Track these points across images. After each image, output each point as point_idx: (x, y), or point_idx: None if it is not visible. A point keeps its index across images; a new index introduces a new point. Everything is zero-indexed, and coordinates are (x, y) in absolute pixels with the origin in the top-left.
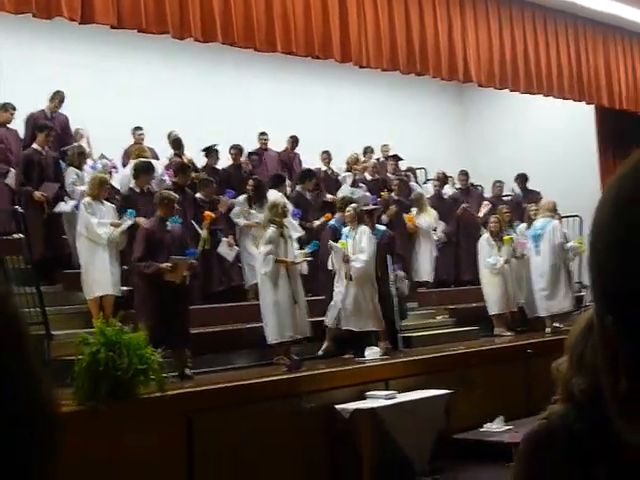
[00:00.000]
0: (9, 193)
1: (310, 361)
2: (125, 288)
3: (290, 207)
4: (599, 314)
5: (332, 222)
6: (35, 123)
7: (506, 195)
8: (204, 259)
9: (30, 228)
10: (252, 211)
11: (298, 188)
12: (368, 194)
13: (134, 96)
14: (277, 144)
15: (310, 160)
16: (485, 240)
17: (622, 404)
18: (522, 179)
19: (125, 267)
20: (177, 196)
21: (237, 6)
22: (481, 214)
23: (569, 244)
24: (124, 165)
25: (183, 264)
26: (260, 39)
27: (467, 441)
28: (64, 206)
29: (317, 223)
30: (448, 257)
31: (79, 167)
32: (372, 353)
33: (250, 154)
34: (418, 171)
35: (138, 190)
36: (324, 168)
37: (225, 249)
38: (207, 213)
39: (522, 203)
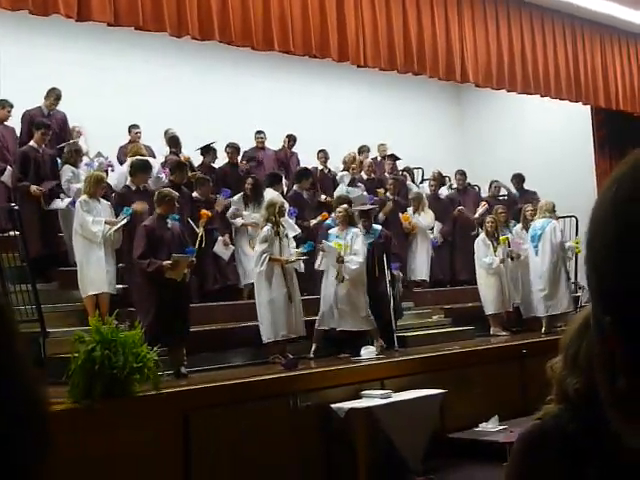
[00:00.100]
0: (5, 191)
1: (306, 360)
2: (121, 286)
3: (287, 206)
4: (596, 314)
5: (328, 221)
6: (32, 120)
7: (502, 195)
8: (200, 258)
9: (26, 226)
10: (244, 212)
11: (295, 187)
12: (365, 193)
13: (131, 94)
14: (275, 143)
15: (307, 159)
16: (481, 240)
17: (620, 404)
18: (518, 179)
19: (121, 265)
20: (177, 194)
21: (235, 5)
22: (477, 214)
23: (568, 243)
24: (121, 163)
25: (184, 261)
26: (257, 38)
27: (462, 440)
28: (60, 203)
29: (314, 222)
30: (444, 257)
31: (75, 165)
32: (368, 352)
33: (249, 159)
34: (415, 171)
35: (134, 188)
36: (321, 167)
37: (221, 248)
38: (203, 211)
39: (518, 203)
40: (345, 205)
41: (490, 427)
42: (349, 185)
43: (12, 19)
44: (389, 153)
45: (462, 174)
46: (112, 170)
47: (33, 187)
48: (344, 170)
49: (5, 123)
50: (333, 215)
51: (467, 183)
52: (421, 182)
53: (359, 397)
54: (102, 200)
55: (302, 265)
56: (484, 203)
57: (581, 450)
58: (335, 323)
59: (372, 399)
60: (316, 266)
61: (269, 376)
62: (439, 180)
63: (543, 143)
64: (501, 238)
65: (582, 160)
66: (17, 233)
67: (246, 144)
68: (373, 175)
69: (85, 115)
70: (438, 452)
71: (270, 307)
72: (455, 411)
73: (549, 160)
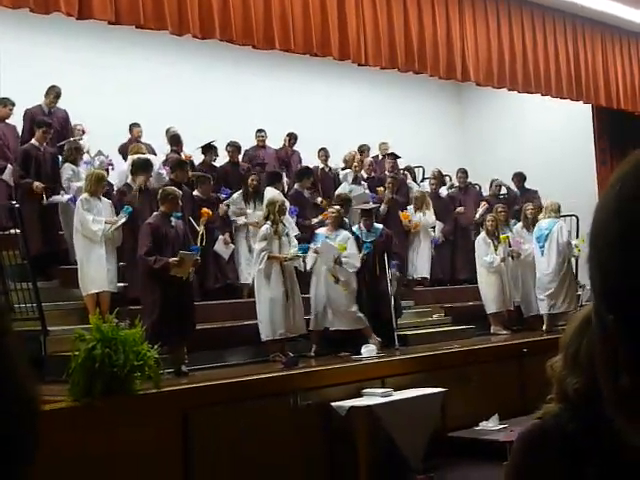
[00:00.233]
0: (6, 189)
1: (306, 358)
2: (121, 284)
3: (287, 205)
4: (598, 312)
5: (328, 220)
6: (33, 118)
7: (503, 194)
8: (200, 256)
9: (27, 223)
10: (248, 211)
11: (296, 186)
12: (367, 191)
13: (132, 92)
14: (275, 141)
15: (308, 158)
16: (482, 239)
17: (623, 402)
18: (519, 178)
19: (122, 263)
20: (181, 192)
21: (235, 3)
22: (478, 215)
23: (574, 241)
24: (124, 158)
25: (190, 259)
26: (258, 36)
27: (462, 439)
28: (60, 197)
29: (315, 221)
30: (444, 256)
31: (75, 163)
32: (368, 351)
33: (251, 159)
34: (416, 170)
35: (135, 186)
36: (321, 166)
37: (221, 247)
38: (204, 210)
39: (519, 201)
40: (337, 207)
41: (490, 426)
42: (352, 184)
43: (13, 17)
44: (389, 152)
45: (464, 172)
46: (112, 169)
47: (36, 183)
48: (344, 169)
49: (7, 121)
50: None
51: (468, 182)
52: (422, 181)
53: (360, 396)
54: (103, 198)
55: (302, 264)
56: (484, 203)
57: (581, 449)
58: (328, 323)
59: (373, 397)
60: (308, 266)
61: (269, 375)
62: (439, 179)
63: (544, 142)
64: (502, 237)
65: (583, 159)
66: (18, 231)
67: (247, 142)
68: (373, 174)
69: (86, 113)
70: (438, 451)
71: (268, 305)
72: (455, 410)
73: (550, 159)
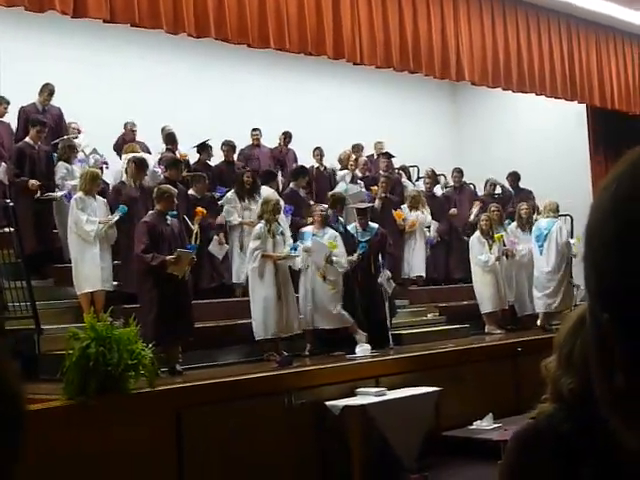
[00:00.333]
0: (0, 187)
1: (301, 358)
2: (116, 283)
3: (282, 204)
4: (593, 312)
5: None
6: (27, 117)
7: (497, 194)
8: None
9: (21, 222)
10: (246, 212)
11: (292, 185)
12: (364, 190)
13: (127, 91)
14: (270, 140)
15: (303, 157)
16: (476, 238)
17: (617, 403)
18: (514, 177)
19: (117, 262)
20: (176, 190)
21: (230, 2)
22: (472, 216)
23: (572, 240)
24: (119, 155)
25: (187, 257)
26: (253, 35)
27: (456, 438)
28: (54, 193)
29: (310, 220)
30: (439, 255)
31: (68, 161)
32: (363, 350)
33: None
34: (411, 169)
35: (130, 185)
36: (317, 165)
37: (216, 247)
38: (199, 209)
39: (513, 201)
40: (325, 205)
41: (484, 425)
42: (350, 183)
43: (8, 15)
44: (383, 151)
45: (459, 172)
46: (107, 168)
47: (32, 181)
48: (342, 169)
49: (1, 119)
50: (329, 213)
51: (463, 181)
52: (417, 180)
53: (354, 395)
54: (98, 197)
55: (298, 262)
56: (477, 203)
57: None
58: (316, 322)
59: (367, 397)
60: (299, 265)
61: (263, 374)
62: (433, 178)
63: (538, 141)
64: (496, 236)
65: (577, 159)
66: (12, 229)
67: (242, 141)
68: (368, 173)
69: (81, 111)
70: (432, 450)
71: (262, 305)
72: (449, 409)
73: (544, 158)
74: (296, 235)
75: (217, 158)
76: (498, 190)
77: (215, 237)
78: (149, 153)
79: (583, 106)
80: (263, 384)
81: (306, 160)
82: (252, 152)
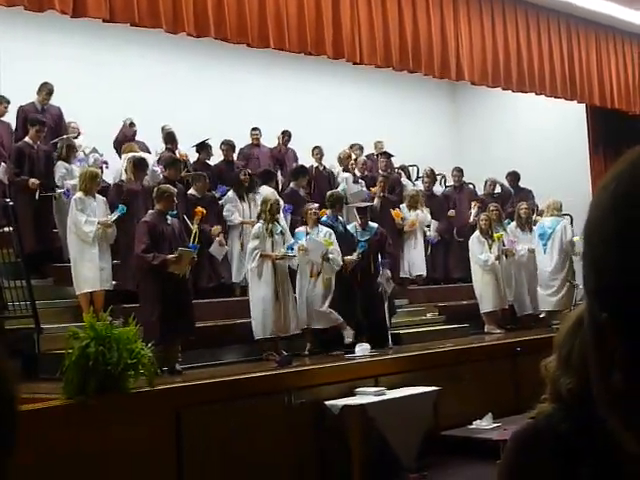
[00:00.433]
0: (0, 187)
1: (300, 357)
2: (115, 282)
3: (282, 203)
4: (591, 311)
5: (324, 218)
6: (26, 116)
7: (497, 193)
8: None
9: (21, 221)
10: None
11: (292, 185)
12: (364, 189)
13: (127, 90)
14: (270, 140)
15: (303, 156)
16: (476, 238)
17: (616, 402)
18: (513, 177)
19: (116, 261)
20: (176, 190)
21: (230, 1)
22: (472, 217)
23: (575, 238)
24: (119, 153)
25: (187, 256)
26: (253, 35)
27: (455, 438)
28: (54, 192)
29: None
30: (438, 255)
31: (67, 160)
32: (362, 350)
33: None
34: (410, 168)
35: (129, 184)
36: (316, 164)
37: (217, 249)
38: (198, 209)
39: (513, 200)
40: (316, 205)
41: (484, 425)
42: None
43: (7, 15)
44: (383, 151)
45: (459, 171)
46: (107, 167)
47: (32, 180)
48: (345, 171)
49: (1, 119)
50: (328, 212)
51: (463, 181)
52: (416, 179)
53: (353, 394)
54: (98, 196)
55: (296, 262)
56: (475, 203)
57: (574, 449)
58: (309, 321)
59: (366, 396)
60: (296, 265)
61: (263, 373)
62: (432, 177)
63: (538, 141)
64: (496, 235)
65: (576, 158)
66: (12, 229)
67: (241, 141)
68: (366, 173)
69: (81, 110)
70: (431, 449)
71: (260, 304)
72: (449, 408)
73: (543, 158)
74: (292, 235)
75: (217, 158)
76: (498, 189)
77: (216, 239)
78: (148, 152)
79: (583, 106)
80: (263, 384)
81: (305, 160)
82: (252, 151)
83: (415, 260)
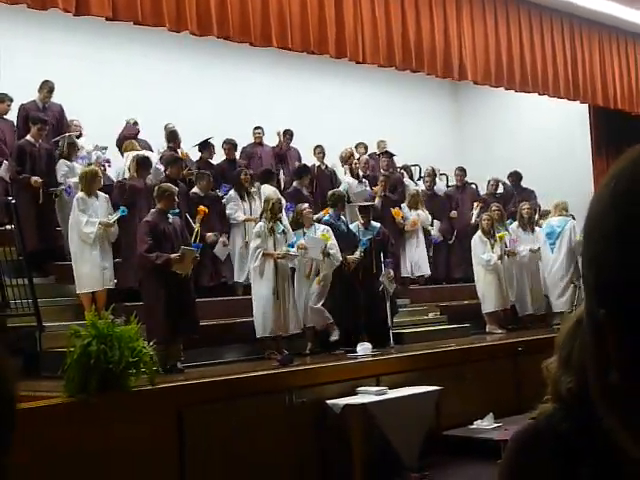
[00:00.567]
0: (2, 184)
1: (301, 356)
2: (116, 281)
3: (284, 202)
4: (590, 308)
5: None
6: (27, 114)
7: (499, 193)
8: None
9: (23, 219)
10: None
11: (295, 184)
12: (367, 189)
13: (130, 88)
14: (273, 139)
15: (305, 155)
16: (478, 237)
17: (613, 401)
18: (515, 177)
19: (118, 260)
20: (177, 189)
21: (233, 0)
22: (473, 218)
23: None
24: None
25: (190, 254)
26: (256, 34)
27: (457, 438)
28: (55, 188)
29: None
30: (440, 254)
31: (69, 158)
32: (364, 349)
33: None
34: (412, 168)
35: (132, 182)
36: (318, 163)
37: (220, 250)
38: (201, 208)
39: (515, 200)
40: (306, 204)
41: (485, 425)
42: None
43: (10, 12)
44: (385, 150)
45: (462, 170)
46: (109, 166)
47: (34, 177)
48: (350, 170)
49: (4, 117)
50: (330, 211)
51: (465, 180)
52: (419, 179)
53: (355, 393)
54: (100, 194)
55: (295, 262)
56: (477, 204)
57: (574, 449)
58: (312, 320)
59: (368, 395)
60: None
61: (264, 372)
62: (433, 176)
63: (540, 141)
64: (498, 235)
65: (579, 159)
66: (14, 227)
67: (244, 140)
68: (368, 172)
69: (83, 109)
70: (433, 449)
71: (261, 303)
72: (450, 408)
73: (546, 158)
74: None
75: (219, 156)
76: (500, 189)
77: (220, 239)
78: (151, 151)
79: (586, 106)
80: (264, 382)
81: (308, 159)
82: (254, 150)
83: (418, 260)
